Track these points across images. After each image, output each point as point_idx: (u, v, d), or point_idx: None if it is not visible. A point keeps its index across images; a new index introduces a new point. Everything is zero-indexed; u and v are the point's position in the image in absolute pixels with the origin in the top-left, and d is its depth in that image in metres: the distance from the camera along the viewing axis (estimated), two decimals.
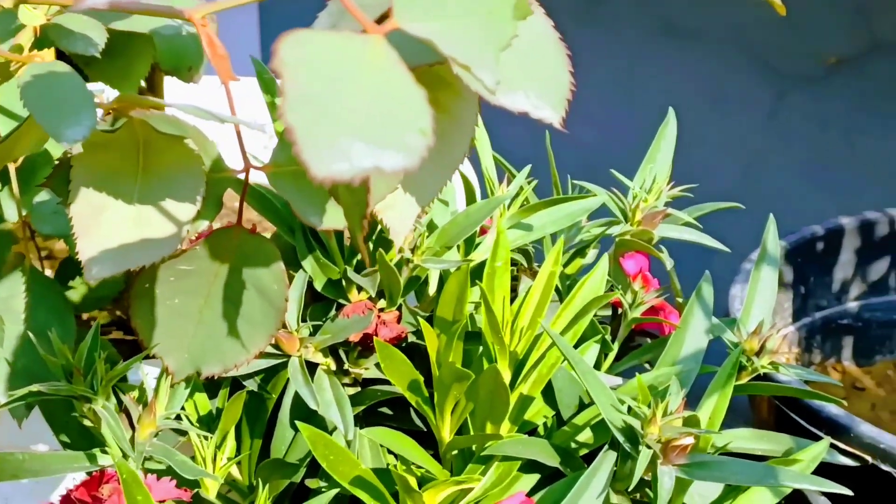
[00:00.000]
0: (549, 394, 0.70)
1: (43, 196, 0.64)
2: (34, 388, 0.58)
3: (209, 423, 0.68)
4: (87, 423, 0.62)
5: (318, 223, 0.58)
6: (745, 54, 1.43)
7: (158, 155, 0.55)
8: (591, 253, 0.81)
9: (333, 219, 0.58)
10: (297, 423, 0.62)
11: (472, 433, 0.66)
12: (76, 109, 0.48)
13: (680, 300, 0.76)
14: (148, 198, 0.55)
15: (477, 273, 0.69)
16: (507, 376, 0.65)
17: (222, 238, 0.59)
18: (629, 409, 0.64)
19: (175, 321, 0.60)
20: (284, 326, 0.66)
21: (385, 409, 0.71)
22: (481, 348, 0.68)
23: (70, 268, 0.70)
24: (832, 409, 0.75)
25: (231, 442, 0.67)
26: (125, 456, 0.60)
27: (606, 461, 0.64)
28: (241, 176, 0.57)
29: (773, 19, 0.69)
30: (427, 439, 0.69)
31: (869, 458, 0.73)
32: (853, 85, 1.38)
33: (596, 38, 1.46)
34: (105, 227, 0.55)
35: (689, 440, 0.62)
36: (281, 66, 0.38)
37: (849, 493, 0.63)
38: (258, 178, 0.60)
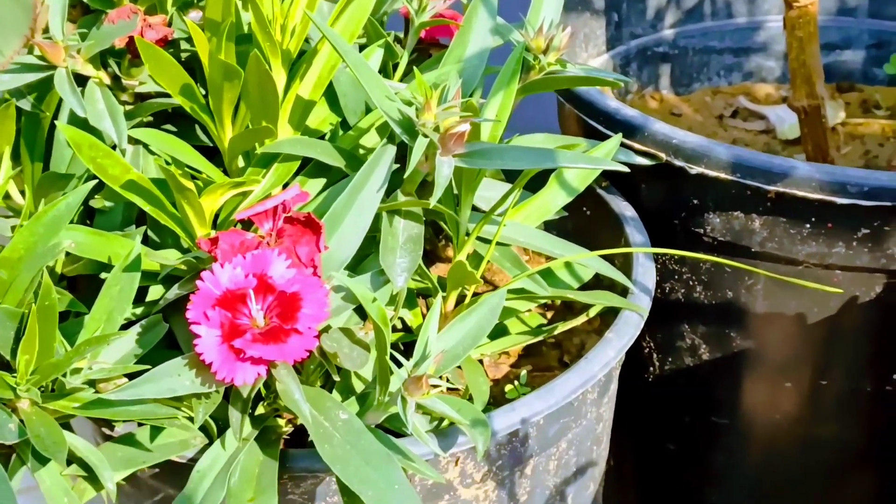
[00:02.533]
0: (334, 101, 0.69)
1: None
2: None
3: None
4: None
5: None
6: None
7: None
8: None
9: None
10: (57, 124, 0.60)
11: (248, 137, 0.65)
12: None
13: (465, 1, 0.75)
14: None
15: None
16: (281, 77, 0.64)
17: None
18: (410, 104, 0.63)
19: None
20: (49, 39, 0.64)
21: (169, 126, 0.69)
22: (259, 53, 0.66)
23: None
24: (628, 111, 0.75)
25: (7, 162, 0.65)
26: None
27: (385, 155, 0.63)
28: None
29: None
30: (216, 156, 0.68)
31: (663, 156, 0.74)
32: None
33: None
34: None
35: (466, 127, 0.62)
36: None
37: (625, 169, 0.63)
38: None
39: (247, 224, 0.63)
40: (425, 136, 0.61)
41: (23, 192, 0.68)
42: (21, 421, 0.56)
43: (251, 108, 0.63)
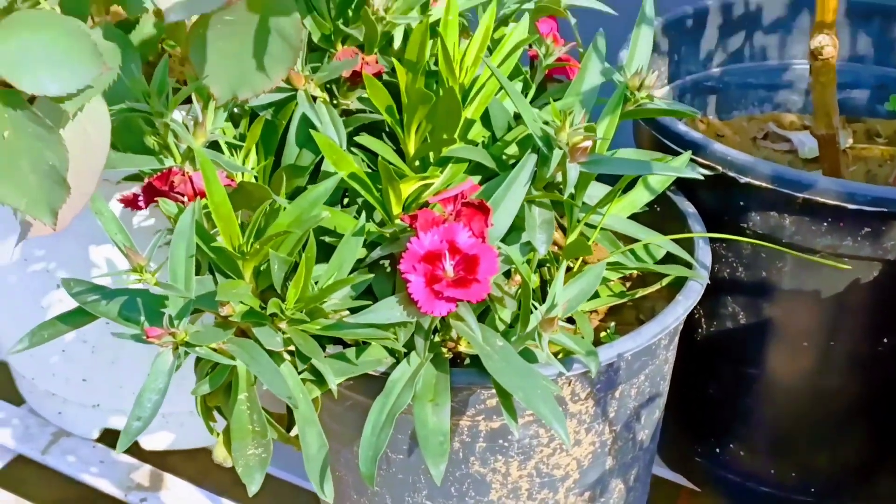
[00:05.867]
0: (486, 120, 0.94)
1: None
2: (125, 105, 0.81)
3: (233, 145, 0.91)
4: (153, 139, 0.85)
5: None
6: None
7: None
8: (511, 25, 1.04)
9: None
10: (311, 132, 0.85)
11: (429, 145, 0.90)
12: None
13: (582, 51, 1.00)
14: None
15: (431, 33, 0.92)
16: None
17: None
18: (546, 123, 0.88)
19: (220, 58, 0.82)
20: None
21: (363, 133, 0.94)
22: (436, 84, 0.91)
23: (123, 25, 0.91)
24: (694, 134, 1.01)
25: (253, 156, 0.90)
26: (186, 158, 0.84)
27: (530, 161, 0.88)
28: None
29: None
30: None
31: (720, 168, 0.99)
32: None
33: None
34: None
35: (589, 143, 0.87)
36: None
37: (700, 177, 0.89)
38: None
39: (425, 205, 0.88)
40: (560, 149, 0.87)
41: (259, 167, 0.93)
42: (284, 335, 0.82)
43: (437, 125, 0.88)
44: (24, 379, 1.23)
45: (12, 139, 0.70)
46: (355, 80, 0.89)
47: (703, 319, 1.07)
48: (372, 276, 0.82)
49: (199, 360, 0.86)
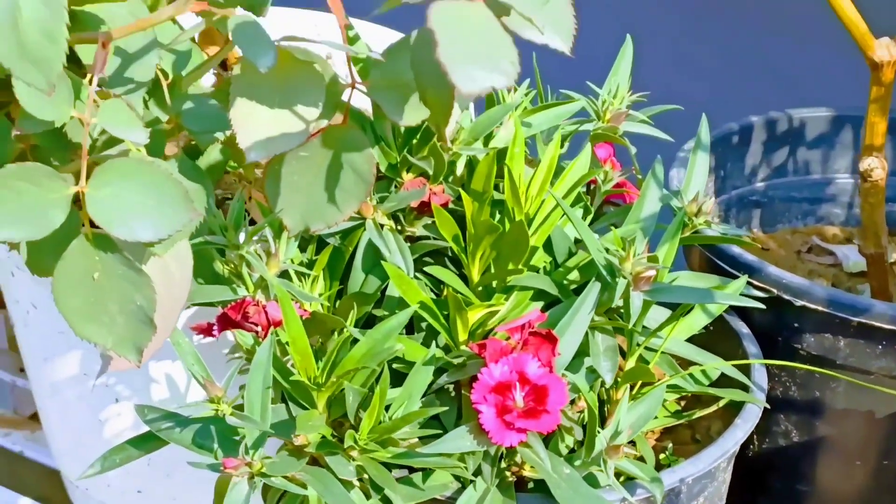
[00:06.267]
0: (547, 246, 0.96)
1: (188, 104, 0.87)
2: (202, 238, 0.83)
3: (302, 272, 0.92)
4: (225, 268, 0.87)
5: (399, 120, 0.82)
6: None
7: (293, 74, 0.79)
8: (566, 145, 1.07)
9: (409, 118, 0.83)
10: (384, 265, 0.87)
11: (493, 274, 0.92)
12: (266, 48, 0.72)
13: (640, 177, 1.02)
14: (285, 104, 0.79)
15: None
16: None
17: (332, 132, 0.83)
18: (608, 251, 0.90)
19: (293, 192, 0.84)
20: None
21: (427, 259, 0.96)
22: (498, 215, 0.93)
23: (190, 150, 0.93)
24: (748, 256, 1.02)
25: (321, 281, 0.92)
26: (259, 287, 0.85)
27: (594, 289, 0.90)
28: (348, 90, 0.82)
29: None
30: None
31: (775, 291, 1.00)
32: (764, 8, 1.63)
33: None
34: (256, 125, 0.79)
35: (652, 272, 0.89)
36: (432, 23, 0.63)
37: (761, 306, 0.91)
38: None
39: (491, 332, 0.89)
40: (625, 278, 0.88)
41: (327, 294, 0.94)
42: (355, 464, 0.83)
43: (502, 253, 0.90)
44: (78, 489, 1.24)
45: (102, 281, 0.72)
46: (423, 209, 0.91)
47: (755, 436, 1.08)
48: (446, 408, 0.83)
49: (268, 486, 0.87)
